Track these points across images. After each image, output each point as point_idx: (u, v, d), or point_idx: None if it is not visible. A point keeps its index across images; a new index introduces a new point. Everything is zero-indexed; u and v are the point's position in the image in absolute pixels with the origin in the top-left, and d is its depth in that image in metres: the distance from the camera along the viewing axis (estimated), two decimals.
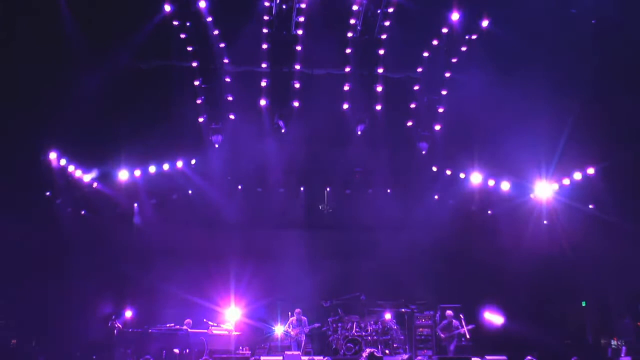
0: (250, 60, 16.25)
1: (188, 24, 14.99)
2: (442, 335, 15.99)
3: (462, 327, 15.94)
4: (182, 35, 15.18)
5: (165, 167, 17.92)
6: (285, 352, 14.65)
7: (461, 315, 16.13)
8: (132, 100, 15.50)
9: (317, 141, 17.76)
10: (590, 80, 14.53)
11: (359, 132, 17.86)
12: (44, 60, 13.75)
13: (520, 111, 15.38)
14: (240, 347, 15.35)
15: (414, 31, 15.44)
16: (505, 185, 17.56)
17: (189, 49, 15.52)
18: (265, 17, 15.08)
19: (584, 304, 17.87)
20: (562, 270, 17.22)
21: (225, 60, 16.13)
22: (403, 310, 17.19)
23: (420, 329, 16.62)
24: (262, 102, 17.03)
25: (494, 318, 17.58)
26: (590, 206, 16.73)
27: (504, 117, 15.50)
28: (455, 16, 14.88)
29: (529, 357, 11.68)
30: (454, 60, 16.14)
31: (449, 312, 16.26)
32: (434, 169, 19.06)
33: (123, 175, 17.07)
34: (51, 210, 16.50)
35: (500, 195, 18.09)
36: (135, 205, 18.81)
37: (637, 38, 13.48)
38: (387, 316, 16.73)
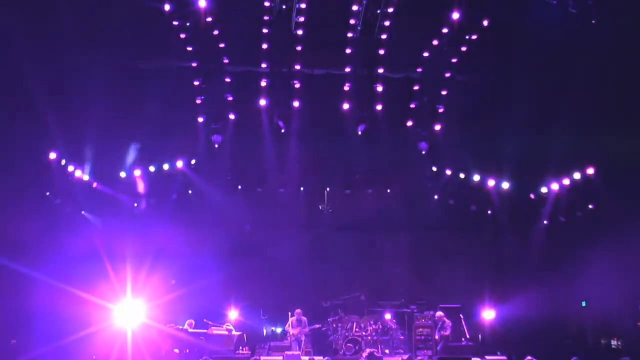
0: (250, 61, 16.26)
1: (188, 23, 14.98)
2: (436, 336, 15.80)
3: (461, 327, 15.79)
4: (182, 35, 15.17)
5: (165, 167, 17.92)
6: (285, 352, 14.61)
7: (461, 316, 16.07)
8: (132, 100, 15.49)
9: (318, 141, 17.76)
10: None
11: (359, 132, 17.86)
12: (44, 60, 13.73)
13: None
14: (240, 347, 15.35)
15: (414, 31, 15.43)
16: (505, 185, 17.58)
17: (189, 49, 15.52)
18: (266, 17, 15.08)
19: (584, 304, 17.85)
20: (562, 269, 17.20)
21: (226, 60, 16.13)
22: (403, 310, 17.18)
23: (420, 329, 16.47)
24: (262, 102, 17.03)
25: (489, 314, 17.62)
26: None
27: None
28: (455, 15, 14.86)
29: (528, 357, 11.65)
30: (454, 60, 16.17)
31: (438, 314, 16.04)
32: (434, 169, 19.06)
33: (123, 174, 17.06)
34: (51, 210, 16.48)
35: (500, 194, 18.12)
36: (135, 205, 18.79)
37: None
38: (387, 316, 16.71)
